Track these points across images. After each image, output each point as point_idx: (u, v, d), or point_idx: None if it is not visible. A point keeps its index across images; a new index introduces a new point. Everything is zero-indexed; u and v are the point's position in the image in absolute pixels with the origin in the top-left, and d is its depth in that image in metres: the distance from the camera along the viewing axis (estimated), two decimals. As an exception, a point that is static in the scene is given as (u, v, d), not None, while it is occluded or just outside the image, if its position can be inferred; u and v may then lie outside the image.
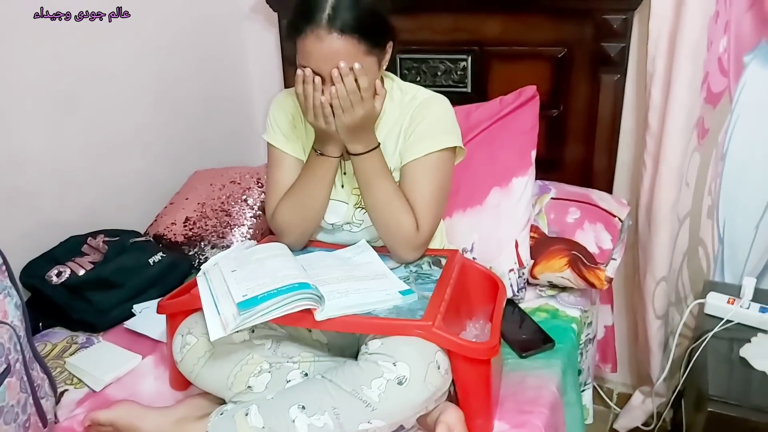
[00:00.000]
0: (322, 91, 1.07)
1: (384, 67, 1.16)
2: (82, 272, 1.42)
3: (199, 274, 1.15)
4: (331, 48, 1.04)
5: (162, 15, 1.77)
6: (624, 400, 1.85)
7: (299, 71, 1.07)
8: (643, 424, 1.74)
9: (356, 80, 1.05)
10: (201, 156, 1.95)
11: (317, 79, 1.06)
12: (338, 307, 1.02)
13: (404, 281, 1.13)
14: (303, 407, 0.97)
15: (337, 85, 1.05)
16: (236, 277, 1.06)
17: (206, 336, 1.02)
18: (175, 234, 1.63)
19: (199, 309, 1.07)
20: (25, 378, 0.95)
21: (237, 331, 1.03)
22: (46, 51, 1.50)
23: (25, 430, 0.95)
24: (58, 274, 1.41)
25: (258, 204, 1.65)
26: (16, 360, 0.92)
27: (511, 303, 1.42)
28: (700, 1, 1.37)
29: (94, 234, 1.53)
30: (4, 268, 0.94)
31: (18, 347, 0.93)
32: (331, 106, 1.08)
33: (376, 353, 0.98)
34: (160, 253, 1.50)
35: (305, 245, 1.28)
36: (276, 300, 0.98)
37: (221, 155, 2.01)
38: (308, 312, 1.00)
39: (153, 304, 1.37)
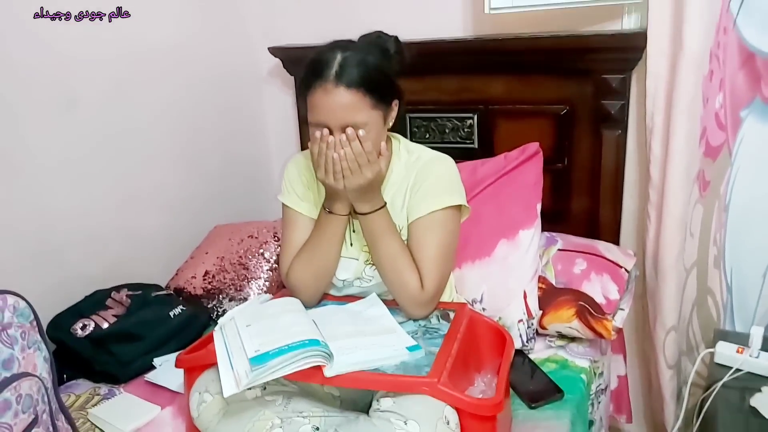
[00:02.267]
0: (335, 148, 1.12)
1: (390, 125, 1.22)
2: (105, 325, 1.48)
3: (215, 328, 1.19)
4: (338, 100, 1.11)
5: (183, 77, 1.88)
6: (641, 453, 1.83)
7: (316, 132, 1.14)
8: (659, 476, 1.72)
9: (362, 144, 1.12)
10: (221, 211, 2.03)
11: (332, 138, 1.12)
12: (347, 364, 1.05)
13: (412, 335, 1.16)
14: (317, 461, 1.00)
15: (345, 149, 1.12)
16: (250, 333, 1.11)
17: (221, 394, 1.06)
18: (195, 287, 1.69)
19: (215, 363, 1.11)
20: (51, 428, 1.00)
21: (249, 388, 1.08)
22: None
23: (49, 480, 0.99)
24: (83, 327, 1.47)
25: (274, 257, 1.71)
26: (43, 411, 0.98)
27: (521, 354, 1.44)
28: (694, 61, 1.43)
29: (117, 288, 1.61)
30: (35, 323, 1.00)
31: (45, 399, 0.99)
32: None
33: (388, 411, 1.01)
34: (180, 306, 1.56)
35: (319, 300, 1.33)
36: (287, 356, 1.01)
37: (240, 210, 2.09)
38: (318, 368, 1.04)
39: (173, 357, 1.41)
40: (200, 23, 1.94)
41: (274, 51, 2.01)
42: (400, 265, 1.20)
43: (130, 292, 1.59)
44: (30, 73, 1.51)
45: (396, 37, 1.25)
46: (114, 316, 1.52)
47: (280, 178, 2.27)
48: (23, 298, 0.97)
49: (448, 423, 1.00)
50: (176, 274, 1.78)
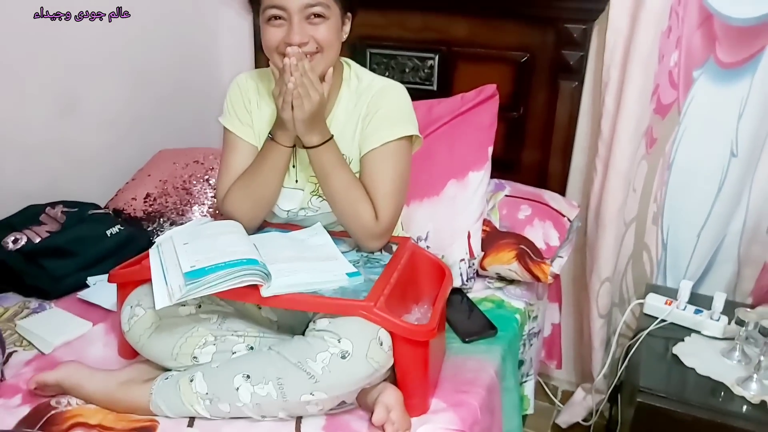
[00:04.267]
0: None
1: (343, 38, 1.20)
2: (38, 240, 1.43)
3: (153, 246, 1.16)
4: None
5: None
6: (568, 397, 1.91)
7: (290, 49, 1.08)
8: (583, 420, 1.80)
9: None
10: (168, 136, 1.96)
11: (301, 64, 1.08)
12: (284, 285, 1.05)
13: (354, 264, 1.16)
14: (248, 376, 1.00)
15: (294, 73, 1.07)
16: (187, 250, 1.09)
17: (153, 308, 1.03)
18: (135, 209, 1.64)
19: (146, 281, 1.09)
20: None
21: (183, 304, 1.06)
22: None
23: (-32, 384, 0.96)
24: (15, 241, 1.42)
25: (220, 185, 1.67)
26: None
27: (460, 292, 1.47)
28: (654, 16, 1.44)
29: (53, 204, 1.54)
30: None
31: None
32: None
33: (323, 330, 1.02)
34: (118, 226, 1.51)
35: (261, 226, 1.31)
36: (223, 273, 1.00)
37: (188, 136, 2.02)
38: (255, 288, 1.03)
39: (105, 281, 1.39)
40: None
41: (233, -29, 1.92)
42: (353, 198, 1.18)
43: (66, 209, 1.53)
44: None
45: None
46: (47, 231, 1.46)
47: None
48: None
49: (381, 344, 1.01)
50: (116, 195, 1.72)
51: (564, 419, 1.83)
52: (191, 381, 1.02)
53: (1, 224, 1.47)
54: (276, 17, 1.12)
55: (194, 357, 1.07)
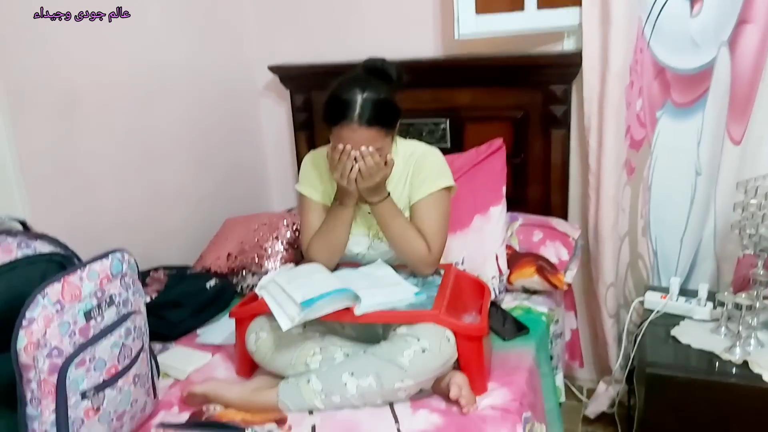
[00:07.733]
0: (355, 159, 1.44)
1: (395, 135, 1.56)
2: (148, 299, 1.76)
3: (258, 288, 1.51)
4: (361, 136, 1.43)
5: (190, 90, 2.17)
6: (592, 393, 2.20)
7: (340, 145, 1.43)
8: (607, 408, 2.11)
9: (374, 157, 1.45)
10: (227, 207, 2.34)
11: (353, 153, 1.43)
12: (371, 305, 1.40)
13: (415, 286, 1.52)
14: (352, 373, 1.33)
15: (359, 163, 1.44)
16: (293, 287, 1.43)
17: (272, 333, 1.40)
18: (220, 267, 1.99)
19: (262, 313, 1.45)
20: (149, 356, 1.30)
21: (297, 325, 1.40)
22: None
23: (147, 396, 1.29)
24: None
25: (286, 240, 2.03)
26: (146, 342, 1.28)
27: (495, 304, 1.80)
28: (618, 75, 1.83)
29: (155, 269, 1.89)
30: (137, 278, 1.29)
31: (147, 332, 1.29)
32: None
33: (404, 334, 1.36)
34: (214, 279, 1.86)
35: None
36: (327, 299, 1.35)
37: (242, 207, 2.40)
38: (348, 310, 1.38)
39: (211, 326, 1.78)
40: (204, 45, 2.24)
41: (274, 69, 2.34)
42: (409, 237, 1.55)
43: (166, 272, 1.88)
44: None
45: (396, 64, 1.55)
46: (155, 291, 1.81)
47: (275, 179, 2.64)
48: (132, 255, 1.27)
49: (449, 341, 1.36)
50: (201, 257, 2.07)
51: (591, 410, 2.13)
52: (308, 382, 1.35)
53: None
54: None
55: (307, 364, 1.40)
